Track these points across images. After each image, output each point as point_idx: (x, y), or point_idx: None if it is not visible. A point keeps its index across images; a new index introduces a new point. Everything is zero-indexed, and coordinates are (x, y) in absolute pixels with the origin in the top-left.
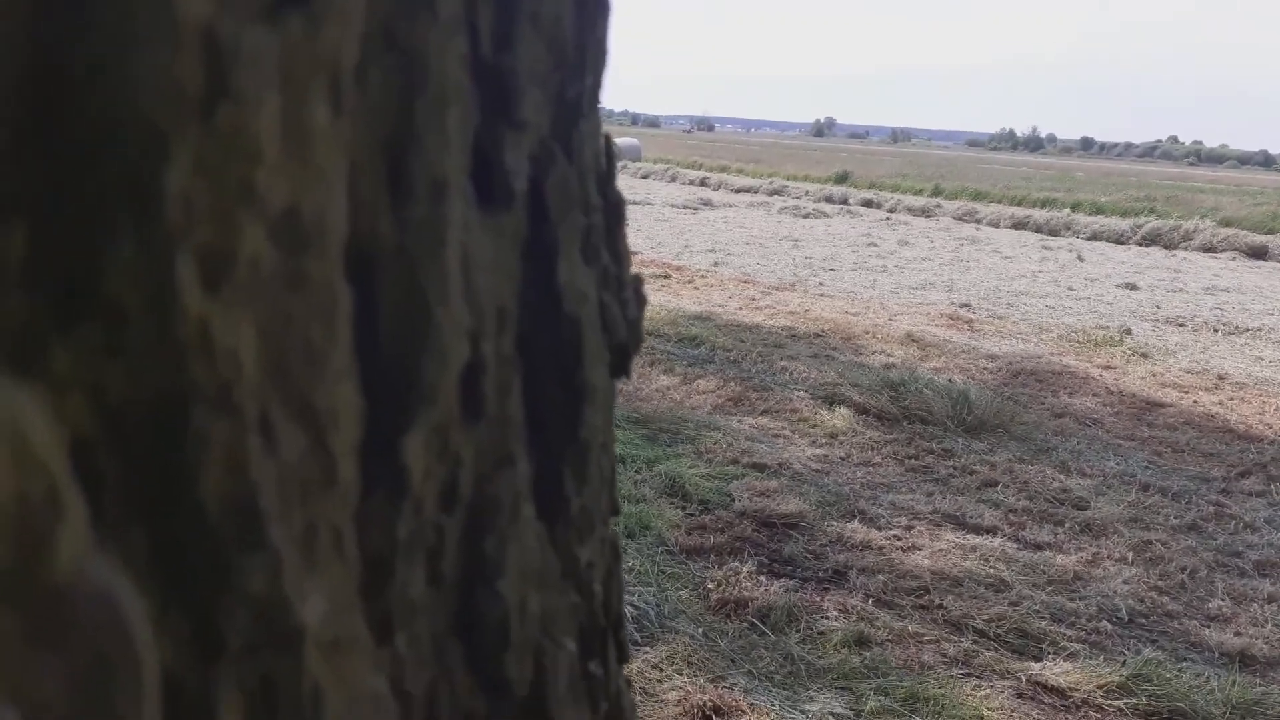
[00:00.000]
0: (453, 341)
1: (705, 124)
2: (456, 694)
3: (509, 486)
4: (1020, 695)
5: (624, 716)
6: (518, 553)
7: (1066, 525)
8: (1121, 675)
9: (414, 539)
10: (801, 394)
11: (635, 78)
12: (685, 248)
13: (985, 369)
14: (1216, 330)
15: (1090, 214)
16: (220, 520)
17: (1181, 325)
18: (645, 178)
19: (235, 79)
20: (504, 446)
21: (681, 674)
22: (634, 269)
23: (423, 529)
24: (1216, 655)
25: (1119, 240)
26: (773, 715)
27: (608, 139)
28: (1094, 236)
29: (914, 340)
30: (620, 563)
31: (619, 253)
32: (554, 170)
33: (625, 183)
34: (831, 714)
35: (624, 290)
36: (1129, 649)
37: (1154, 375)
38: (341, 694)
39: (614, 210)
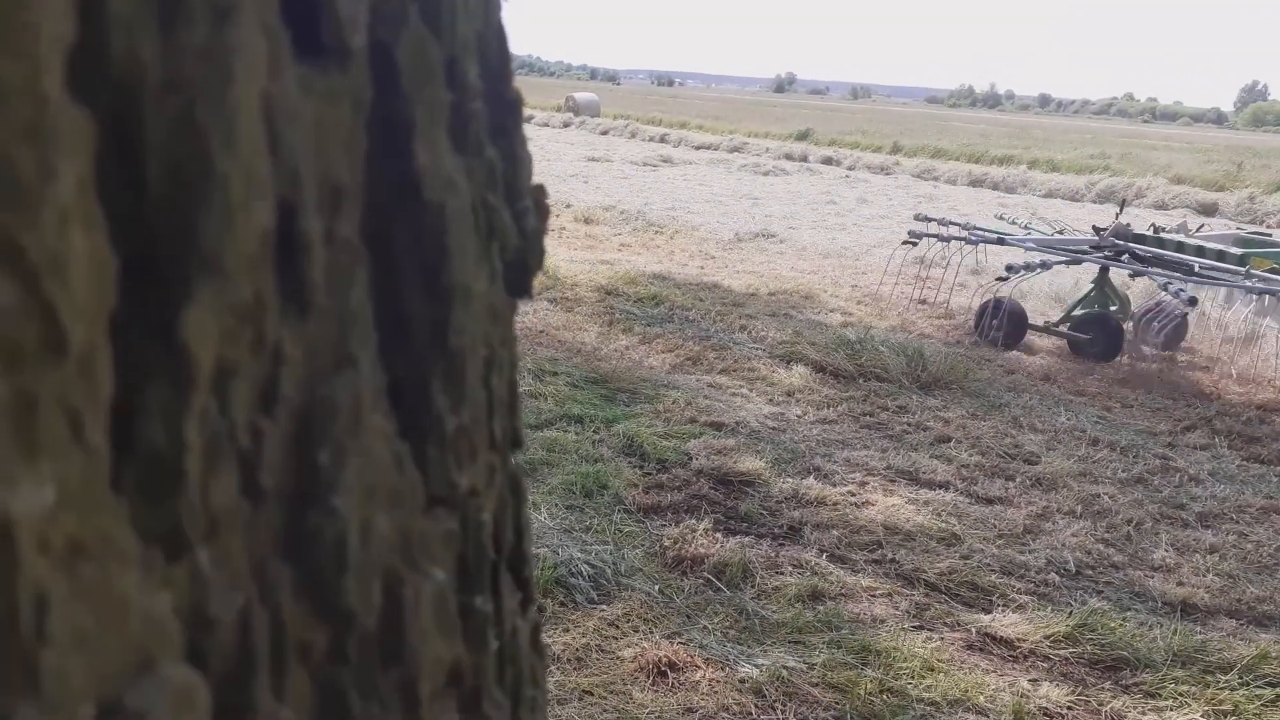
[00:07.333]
0: (243, 200)
1: (665, 79)
2: (283, 622)
3: (348, 390)
4: (970, 646)
5: (520, 658)
6: (361, 466)
7: (1017, 480)
8: (1068, 625)
9: (216, 440)
10: (759, 352)
11: (595, 31)
12: (645, 205)
13: (941, 326)
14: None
15: (1047, 171)
16: None
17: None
18: (605, 134)
19: None
20: (343, 346)
21: (637, 631)
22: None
23: (231, 430)
24: (1160, 604)
25: (1074, 197)
26: (726, 669)
27: (503, 33)
28: (1049, 194)
29: (871, 298)
30: (524, 499)
31: (514, 155)
32: (405, 31)
33: (584, 139)
34: (784, 667)
35: (520, 199)
36: (1075, 600)
37: None
38: (86, 608)
39: (508, 107)
